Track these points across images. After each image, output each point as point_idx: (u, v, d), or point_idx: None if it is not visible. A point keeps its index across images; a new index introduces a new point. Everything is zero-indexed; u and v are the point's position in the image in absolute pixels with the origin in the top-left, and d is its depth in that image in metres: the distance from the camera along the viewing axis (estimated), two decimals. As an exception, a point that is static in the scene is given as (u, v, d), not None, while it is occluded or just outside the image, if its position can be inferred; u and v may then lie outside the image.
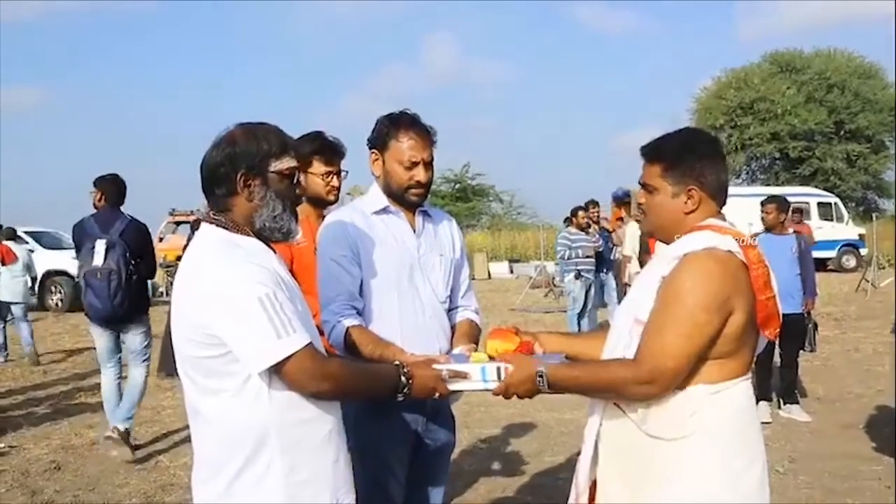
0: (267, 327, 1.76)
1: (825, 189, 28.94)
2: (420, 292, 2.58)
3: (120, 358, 5.69)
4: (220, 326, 1.78)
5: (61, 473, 5.22)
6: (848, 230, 23.87)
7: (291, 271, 3.04)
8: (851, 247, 23.50)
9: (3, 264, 9.96)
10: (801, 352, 6.49)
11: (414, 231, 2.63)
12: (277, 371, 1.80)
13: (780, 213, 6.45)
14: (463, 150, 53.90)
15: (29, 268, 10.35)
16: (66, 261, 16.26)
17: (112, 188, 5.49)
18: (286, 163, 1.94)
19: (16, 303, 10.00)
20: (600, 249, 10.11)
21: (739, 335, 1.90)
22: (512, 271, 27.20)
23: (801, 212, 14.00)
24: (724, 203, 2.06)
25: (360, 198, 2.79)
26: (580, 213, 10.08)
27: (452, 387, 2.09)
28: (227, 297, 1.78)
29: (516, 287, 19.95)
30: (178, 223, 20.78)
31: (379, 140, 2.59)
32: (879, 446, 5.40)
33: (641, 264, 8.30)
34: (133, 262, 5.29)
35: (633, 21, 70.76)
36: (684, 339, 1.84)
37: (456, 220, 2.91)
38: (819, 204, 23.90)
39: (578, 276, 9.85)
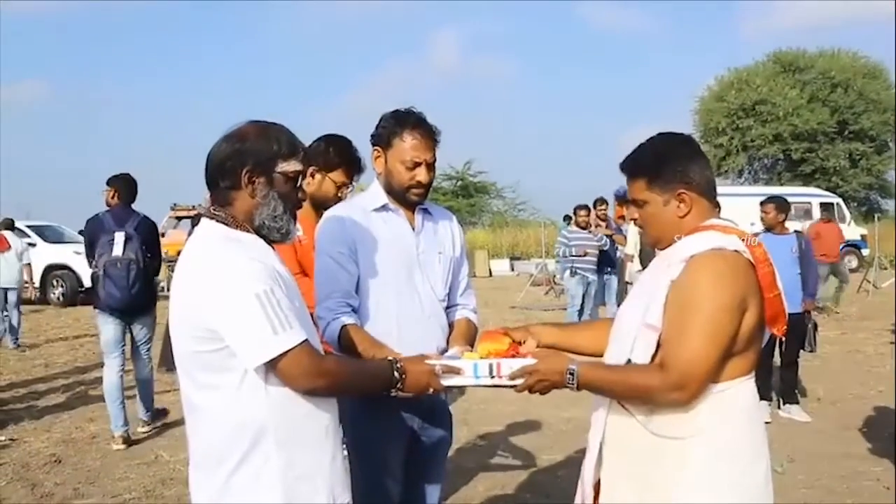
0: (264, 323, 1.76)
1: (827, 189, 28.91)
2: (418, 290, 2.58)
3: (124, 349, 5.81)
4: (218, 321, 1.79)
5: (62, 467, 5.24)
6: (850, 231, 23.80)
7: (301, 266, 3.08)
8: (853, 247, 23.44)
9: None
10: (801, 352, 6.50)
11: (413, 229, 2.62)
12: (273, 367, 1.80)
13: (779, 213, 6.46)
14: (465, 146, 53.88)
15: (22, 257, 10.96)
16: (68, 255, 16.31)
17: (125, 186, 5.79)
18: (293, 165, 1.95)
19: (11, 288, 10.72)
20: (605, 248, 10.11)
21: (750, 334, 1.91)
22: (513, 269, 27.20)
23: (831, 210, 14.25)
24: (715, 198, 2.06)
25: (360, 194, 2.79)
26: (580, 211, 10.17)
27: (445, 382, 2.10)
28: (226, 292, 1.79)
29: (517, 285, 19.94)
30: (179, 218, 20.82)
31: (383, 138, 2.58)
32: (879, 447, 5.40)
33: (643, 264, 8.29)
34: (147, 255, 5.62)
35: (636, 19, 70.73)
36: (710, 342, 1.84)
37: (457, 217, 2.91)
38: (821, 204, 23.85)
39: (573, 273, 9.96)
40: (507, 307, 15.23)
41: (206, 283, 1.81)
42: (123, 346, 5.79)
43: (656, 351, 1.91)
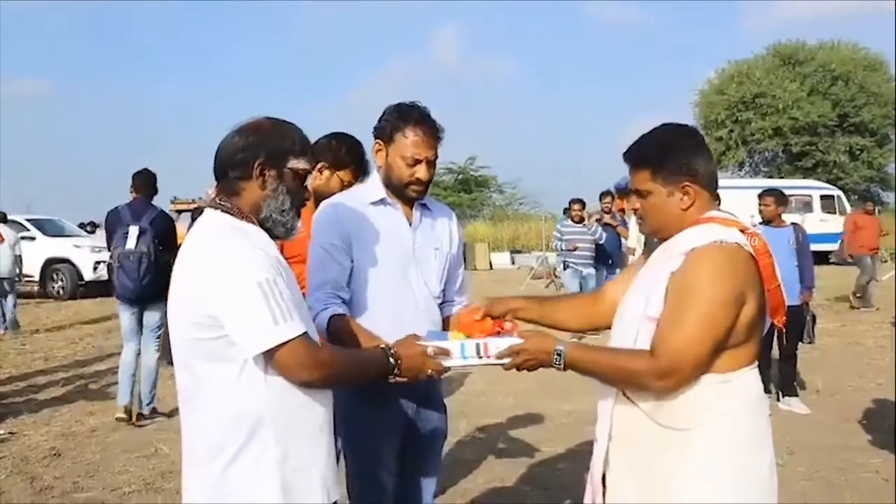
0: (265, 312, 1.77)
1: (828, 182, 28.88)
2: (412, 285, 2.57)
3: (141, 335, 6.25)
4: (219, 308, 1.79)
5: (61, 460, 5.24)
6: (850, 224, 23.78)
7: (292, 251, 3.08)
8: (854, 239, 23.40)
9: None
10: (800, 344, 6.51)
11: (410, 224, 2.61)
12: (270, 357, 1.81)
13: (778, 206, 6.52)
14: (466, 141, 53.79)
15: (14, 247, 11.67)
16: (68, 248, 16.30)
17: (143, 182, 6.21)
18: (302, 163, 1.98)
19: (4, 278, 11.43)
20: (601, 241, 10.12)
21: (750, 325, 1.91)
22: (514, 262, 27.18)
23: (870, 201, 13.71)
24: (716, 190, 2.06)
25: (359, 186, 2.78)
26: (574, 205, 10.29)
27: (447, 363, 2.10)
28: (229, 279, 1.79)
29: (518, 278, 19.92)
30: (179, 211, 20.80)
31: (385, 131, 2.55)
32: (877, 439, 5.41)
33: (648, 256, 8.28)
34: (160, 247, 5.95)
35: (637, 14, 70.50)
36: (702, 333, 1.84)
37: (458, 212, 2.90)
38: (822, 197, 23.86)
39: (566, 267, 10.17)
40: (507, 300, 15.18)
41: (209, 269, 1.82)
42: (141, 333, 6.23)
43: None
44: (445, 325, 2.63)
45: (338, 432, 2.30)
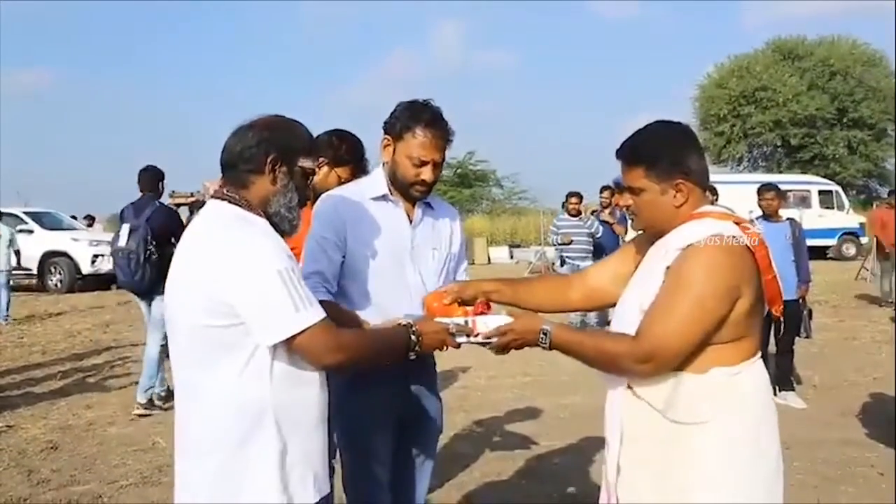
0: (286, 300, 1.78)
1: (826, 176, 28.90)
2: (408, 283, 2.55)
3: (149, 325, 6.43)
4: (238, 296, 1.79)
5: (58, 453, 5.24)
6: (848, 218, 23.82)
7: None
8: (852, 235, 23.46)
9: None
10: (797, 339, 6.53)
11: (410, 222, 2.60)
12: (290, 344, 1.81)
13: (779, 200, 6.61)
14: (465, 136, 53.75)
15: (11, 242, 12.09)
16: (65, 241, 16.29)
17: (146, 179, 6.43)
18: (309, 163, 2.02)
19: (1, 271, 11.81)
20: (598, 235, 10.11)
21: (749, 317, 1.91)
22: (512, 256, 27.18)
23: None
24: (707, 186, 2.07)
25: (362, 179, 2.77)
26: (571, 199, 10.30)
27: (459, 340, 2.10)
28: (247, 268, 1.79)
29: (516, 272, 19.94)
30: (178, 205, 20.79)
31: (395, 128, 2.52)
32: (874, 434, 5.42)
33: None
34: (154, 243, 6.09)
35: (637, 8, 70.42)
36: (690, 323, 1.85)
37: (457, 206, 2.89)
38: (820, 192, 23.87)
39: (563, 262, 10.18)
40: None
41: (224, 256, 1.81)
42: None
43: None
44: None
45: (332, 427, 2.30)
